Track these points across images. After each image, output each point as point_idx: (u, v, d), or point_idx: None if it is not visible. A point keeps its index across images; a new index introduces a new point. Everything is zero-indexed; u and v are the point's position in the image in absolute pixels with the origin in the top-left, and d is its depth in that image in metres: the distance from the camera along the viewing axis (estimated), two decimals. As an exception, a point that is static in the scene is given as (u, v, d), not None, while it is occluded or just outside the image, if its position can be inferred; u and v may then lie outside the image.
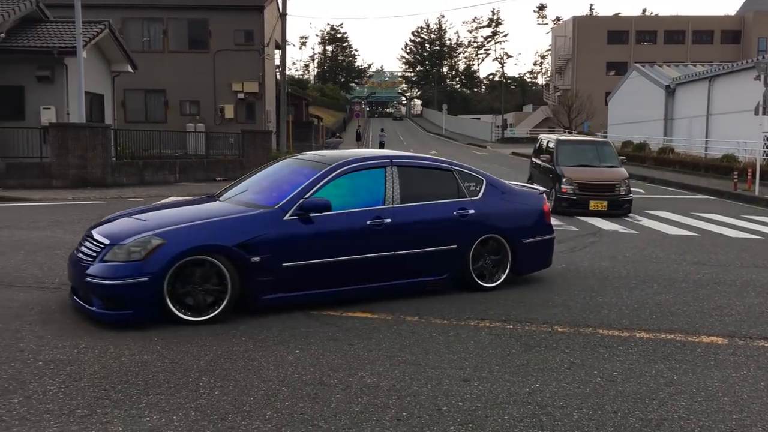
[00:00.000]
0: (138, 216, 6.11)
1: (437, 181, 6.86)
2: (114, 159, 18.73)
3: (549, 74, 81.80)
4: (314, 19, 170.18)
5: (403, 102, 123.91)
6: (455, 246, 6.61)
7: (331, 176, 6.23)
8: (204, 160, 22.23)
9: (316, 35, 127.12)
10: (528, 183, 16.61)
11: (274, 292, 5.77)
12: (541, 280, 7.49)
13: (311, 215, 5.93)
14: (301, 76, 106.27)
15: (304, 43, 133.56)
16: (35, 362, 4.52)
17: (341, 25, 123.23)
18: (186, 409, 3.81)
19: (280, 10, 32.47)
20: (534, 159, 16.47)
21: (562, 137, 17.50)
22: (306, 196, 6.00)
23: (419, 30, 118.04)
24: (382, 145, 42.21)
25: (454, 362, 4.72)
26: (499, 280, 6.91)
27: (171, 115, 30.22)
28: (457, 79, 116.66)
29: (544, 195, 7.69)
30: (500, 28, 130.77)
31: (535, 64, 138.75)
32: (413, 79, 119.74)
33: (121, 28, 27.45)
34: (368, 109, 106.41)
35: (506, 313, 6.08)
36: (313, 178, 6.19)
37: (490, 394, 4.14)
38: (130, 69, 23.73)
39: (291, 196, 6.02)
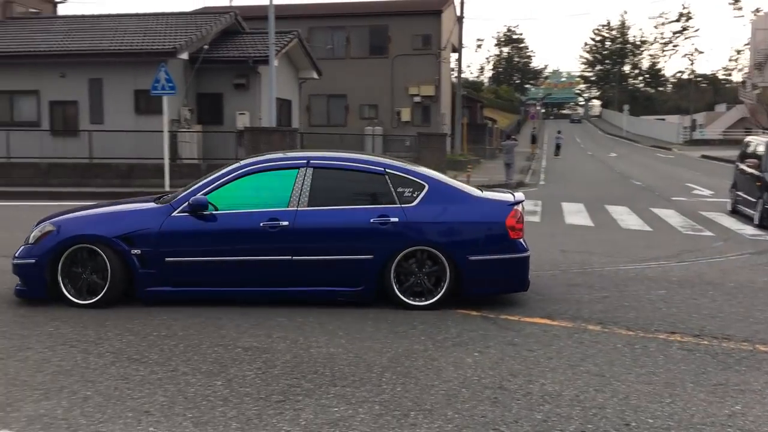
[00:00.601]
0: (81, 209, 6.67)
1: (363, 185, 6.26)
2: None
3: (746, 71, 75.18)
4: (491, 21, 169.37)
5: (580, 103, 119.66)
6: (371, 257, 5.92)
7: (232, 176, 6.15)
8: (381, 162, 22.86)
9: (492, 37, 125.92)
10: (731, 190, 15.21)
11: (159, 285, 5.96)
12: (738, 293, 6.90)
13: (203, 213, 5.96)
14: (475, 79, 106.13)
15: (479, 46, 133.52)
16: (234, 348, 4.90)
17: (517, 26, 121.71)
18: (370, 403, 3.94)
19: (458, 14, 32.69)
20: (739, 164, 14.89)
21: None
22: (200, 194, 6.04)
23: (600, 28, 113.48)
24: (558, 148, 41.14)
25: (642, 376, 4.48)
26: (432, 299, 5.98)
27: (351, 118, 31.46)
28: (640, 77, 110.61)
29: (515, 206, 6.19)
30: (690, 23, 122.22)
31: (729, 60, 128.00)
32: (592, 78, 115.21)
33: (308, 37, 29.01)
34: (543, 110, 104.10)
35: (699, 327, 5.67)
36: (212, 177, 6.23)
37: (684, 414, 3.88)
38: (315, 76, 25.06)
39: (185, 193, 6.15)
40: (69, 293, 5.91)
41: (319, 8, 32.57)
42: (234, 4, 39.70)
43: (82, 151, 19.02)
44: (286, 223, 5.92)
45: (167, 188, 16.63)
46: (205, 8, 31.30)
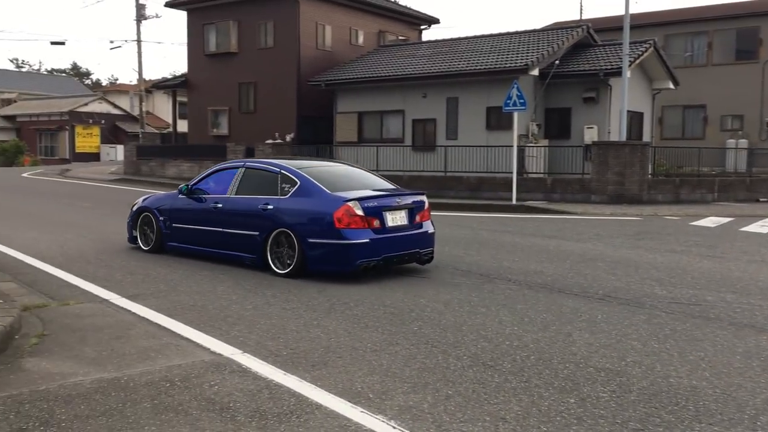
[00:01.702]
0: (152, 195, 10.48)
1: (267, 181, 8.47)
2: (650, 176, 18.79)
3: None
4: None
5: None
6: (257, 233, 8.20)
7: (208, 173, 9.36)
8: (746, 178, 20.54)
9: None
10: None
11: (172, 241, 9.39)
12: None
13: (190, 195, 9.23)
14: None
15: None
16: (586, 367, 4.80)
17: None
18: (744, 449, 3.53)
19: None
20: None
21: None
22: (191, 184, 9.35)
23: None
24: None
25: None
26: (287, 269, 7.90)
27: (710, 130, 28.81)
28: None
29: (349, 203, 7.67)
30: None
31: None
32: None
33: (664, 44, 27.37)
34: None
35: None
36: (201, 174, 9.48)
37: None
38: (671, 86, 23.54)
39: (188, 183, 9.44)
40: (140, 240, 9.81)
41: (677, 14, 30.45)
42: (585, 17, 39.30)
43: (437, 165, 20.56)
44: (221, 205, 8.74)
45: (514, 201, 17.11)
46: (556, 24, 31.49)
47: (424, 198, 8.66)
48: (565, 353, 5.12)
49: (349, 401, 4.10)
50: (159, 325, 5.79)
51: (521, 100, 16.89)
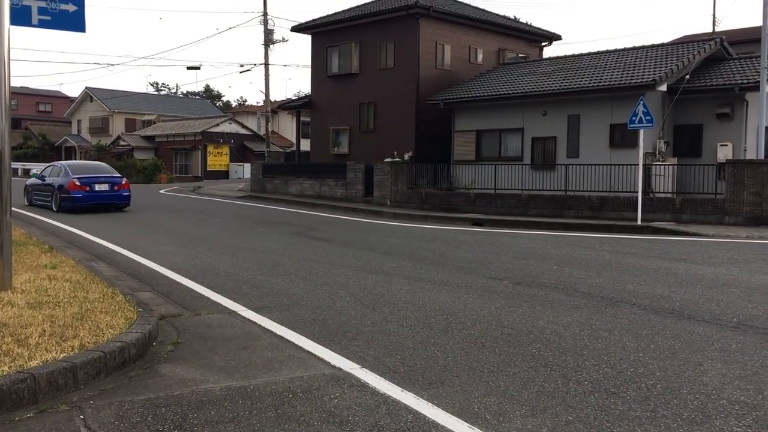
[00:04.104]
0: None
1: (57, 170, 21.16)
2: (792, 197, 17.45)
3: None
4: None
5: None
6: (51, 193, 20.96)
7: (43, 168, 21.03)
8: None
9: None
10: None
11: (33, 199, 22.47)
12: None
13: (39, 179, 22.12)
14: None
15: None
16: (719, 399, 4.53)
17: None
18: None
19: None
20: None
21: None
22: (39, 174, 22.37)
23: None
24: None
25: None
26: (56, 208, 20.36)
27: None
28: None
29: (74, 179, 19.71)
30: None
31: None
32: None
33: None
34: None
35: None
36: (42, 170, 22.18)
37: None
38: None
39: (39, 173, 22.77)
40: (25, 200, 22.39)
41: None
42: (719, 29, 37.36)
43: (557, 184, 20.12)
44: (45, 182, 21.24)
45: (639, 222, 16.44)
46: (687, 37, 30.13)
47: (123, 179, 21.18)
48: (695, 383, 4.86)
49: (466, 421, 4.08)
50: (282, 338, 6.02)
51: (648, 117, 16.26)
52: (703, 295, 8.09)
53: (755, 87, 18.09)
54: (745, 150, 19.11)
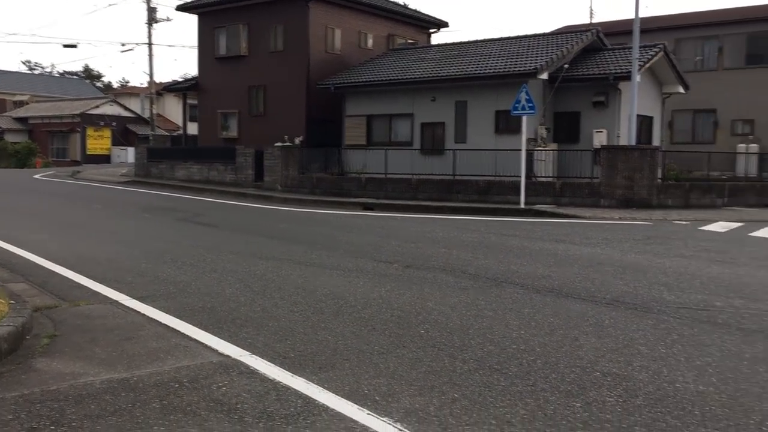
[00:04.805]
0: None
1: None
2: (659, 180, 18.74)
3: None
4: None
5: None
6: None
7: None
8: (756, 183, 20.45)
9: None
10: None
11: None
12: None
13: None
14: None
15: None
16: (593, 372, 4.81)
17: None
18: (749, 454, 3.54)
19: None
20: None
21: None
22: None
23: None
24: None
25: None
26: None
27: (720, 135, 28.69)
28: None
29: None
30: None
31: None
32: None
33: (674, 49, 27.29)
34: None
35: None
36: None
37: None
38: (681, 90, 23.51)
39: None
40: None
41: (688, 18, 30.35)
42: (596, 20, 39.26)
43: (446, 169, 20.56)
44: None
45: (522, 205, 17.11)
46: (566, 27, 31.49)
47: None
48: (571, 357, 5.13)
49: (356, 403, 4.13)
50: (168, 327, 5.84)
51: (530, 104, 16.90)
52: (580, 274, 8.54)
53: (627, 77, 19.17)
54: (618, 136, 20.25)
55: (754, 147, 25.66)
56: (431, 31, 31.99)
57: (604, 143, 19.53)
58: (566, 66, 20.52)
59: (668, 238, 12.25)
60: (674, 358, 5.13)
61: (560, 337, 5.68)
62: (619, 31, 27.91)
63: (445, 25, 32.01)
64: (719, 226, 14.10)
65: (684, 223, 14.76)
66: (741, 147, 25.72)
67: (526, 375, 4.71)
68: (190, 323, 5.93)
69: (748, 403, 4.24)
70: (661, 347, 5.40)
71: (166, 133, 43.07)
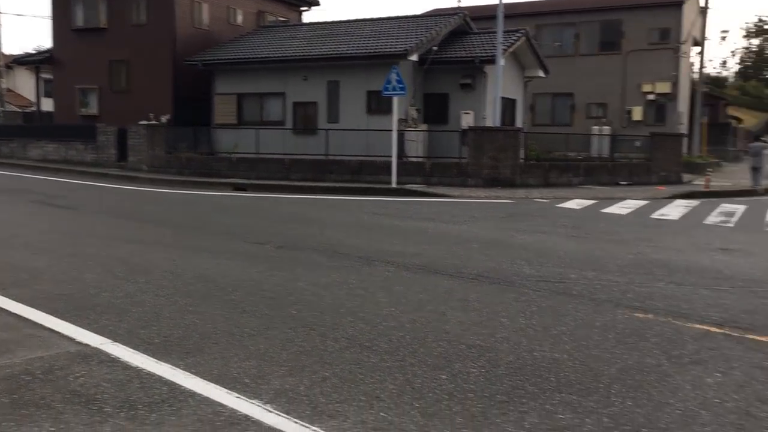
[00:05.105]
0: None
1: None
2: (522, 161, 19.63)
3: None
4: (737, 12, 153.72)
5: None
6: None
7: None
8: (608, 163, 21.87)
9: (741, 28, 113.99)
10: None
11: None
12: None
13: None
14: (718, 74, 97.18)
15: (723, 38, 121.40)
16: (458, 345, 4.99)
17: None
18: (598, 414, 3.80)
19: (701, 4, 30.21)
20: None
21: None
22: None
23: None
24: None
25: None
26: None
27: (577, 117, 30.45)
28: None
29: None
30: None
31: None
32: None
33: (536, 34, 28.56)
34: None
35: None
36: None
37: None
38: (542, 74, 24.63)
39: None
40: None
41: (548, 5, 31.85)
42: (463, 5, 40.30)
43: (319, 148, 20.48)
44: None
45: (394, 185, 17.37)
46: (435, 11, 32.11)
47: None
48: (438, 332, 5.29)
49: (224, 387, 4.05)
50: (19, 316, 5.46)
51: (400, 85, 17.13)
52: (449, 251, 8.81)
53: (492, 60, 19.85)
54: (484, 118, 20.97)
55: (606, 129, 27.39)
56: (302, 9, 31.61)
57: (471, 124, 20.16)
58: (435, 48, 20.95)
59: (529, 215, 12.88)
60: (533, 329, 5.41)
61: (428, 312, 5.84)
62: (485, 15, 28.74)
63: (316, 3, 31.73)
64: (575, 204, 14.99)
65: (544, 200, 15.58)
66: (595, 129, 27.36)
67: (396, 351, 4.81)
68: (44, 312, 5.57)
69: (598, 368, 4.55)
70: (522, 319, 5.68)
71: (18, 110, 40.00)
